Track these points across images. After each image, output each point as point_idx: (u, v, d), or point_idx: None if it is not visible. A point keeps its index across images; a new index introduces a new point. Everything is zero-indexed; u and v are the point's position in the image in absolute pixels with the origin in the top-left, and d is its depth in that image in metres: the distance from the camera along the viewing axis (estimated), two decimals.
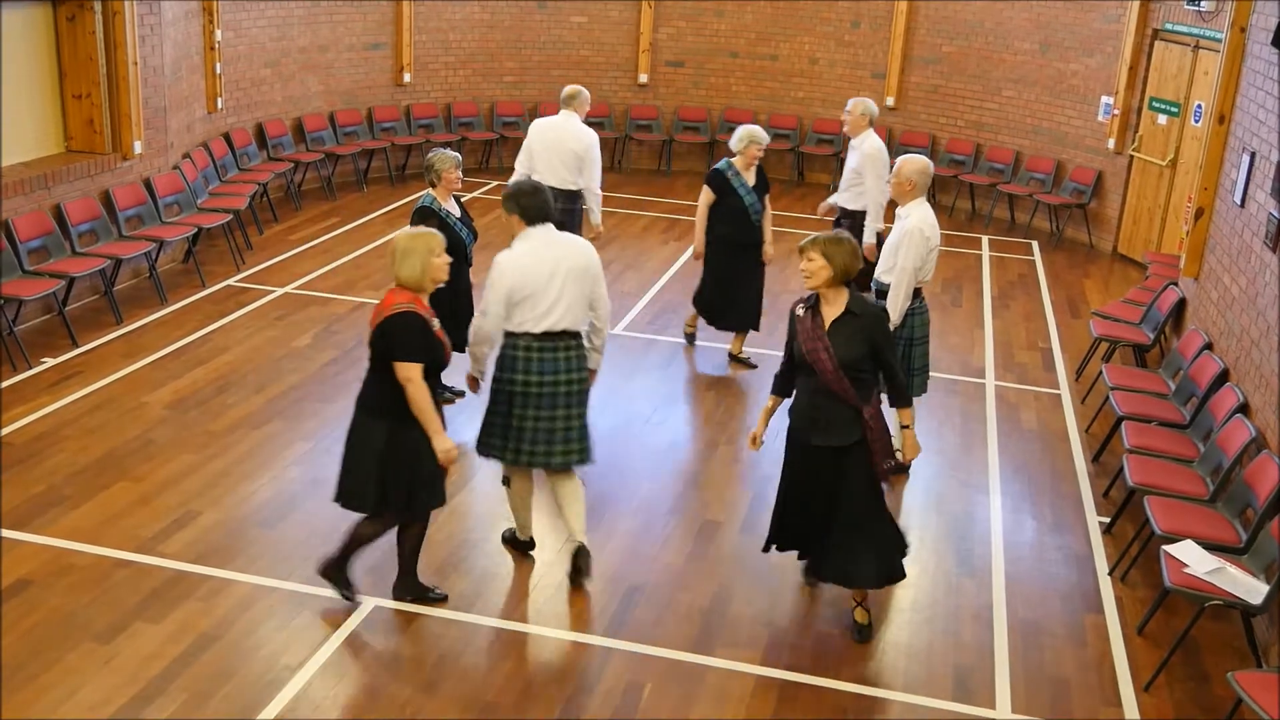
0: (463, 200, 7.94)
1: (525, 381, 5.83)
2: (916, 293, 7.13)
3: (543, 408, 5.86)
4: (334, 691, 5.16)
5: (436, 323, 5.42)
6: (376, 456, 5.37)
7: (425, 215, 7.54)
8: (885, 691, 5.42)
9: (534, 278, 5.76)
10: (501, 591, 6.01)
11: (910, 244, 6.95)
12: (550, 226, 5.91)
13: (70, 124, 9.87)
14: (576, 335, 5.94)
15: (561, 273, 5.79)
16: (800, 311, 5.54)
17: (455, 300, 7.82)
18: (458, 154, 7.71)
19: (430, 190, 7.67)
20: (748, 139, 8.69)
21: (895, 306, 7.04)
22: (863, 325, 5.44)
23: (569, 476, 6.08)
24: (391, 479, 5.39)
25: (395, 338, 5.25)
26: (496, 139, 15.30)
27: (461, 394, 8.02)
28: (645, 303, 10.45)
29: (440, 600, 5.83)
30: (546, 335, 5.82)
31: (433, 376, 5.38)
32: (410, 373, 5.23)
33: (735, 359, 9.21)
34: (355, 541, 5.65)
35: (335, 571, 5.74)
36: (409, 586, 5.81)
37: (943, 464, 7.71)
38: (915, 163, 7.11)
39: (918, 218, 7.00)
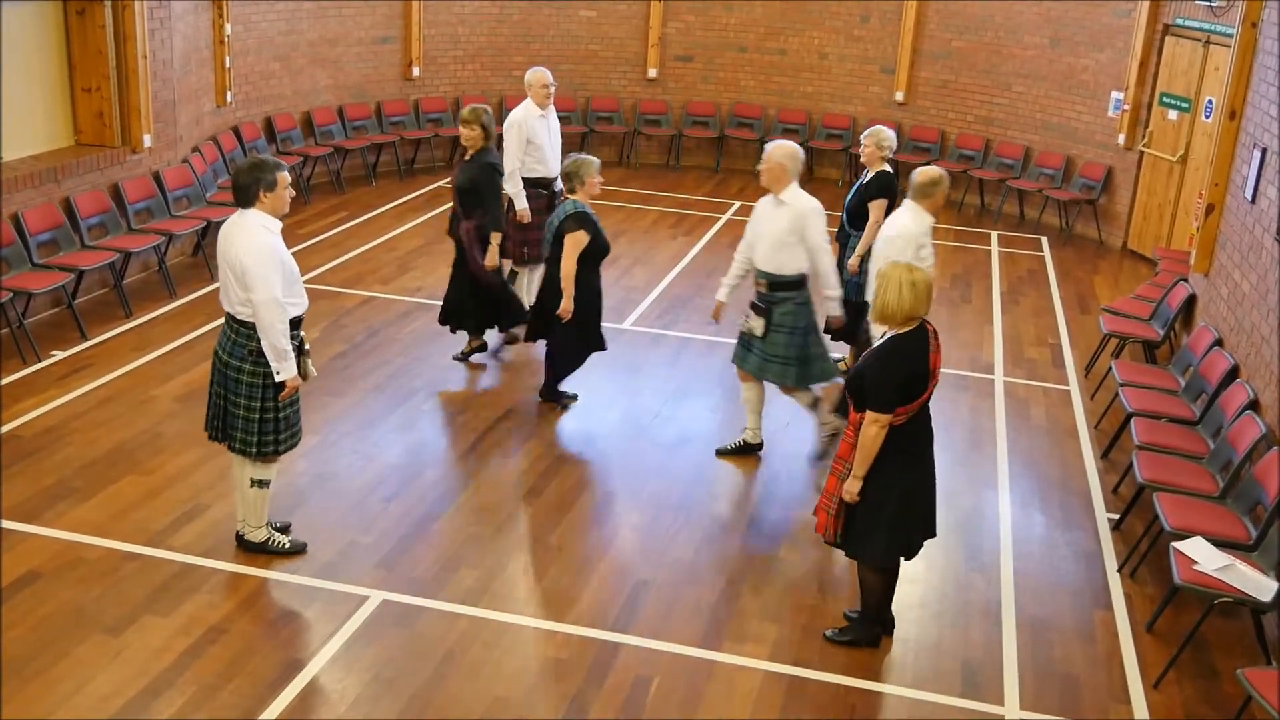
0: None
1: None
2: None
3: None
4: (342, 685, 5.17)
5: None
6: None
7: (583, 220, 7.57)
8: (893, 687, 5.41)
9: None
10: (509, 585, 6.02)
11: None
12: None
13: (80, 117, 9.88)
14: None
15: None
16: None
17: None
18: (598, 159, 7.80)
19: (573, 196, 7.66)
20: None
21: None
22: None
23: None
24: None
25: None
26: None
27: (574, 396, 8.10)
28: (653, 298, 10.44)
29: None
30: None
31: None
32: None
33: None
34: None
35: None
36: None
37: (951, 460, 7.69)
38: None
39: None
